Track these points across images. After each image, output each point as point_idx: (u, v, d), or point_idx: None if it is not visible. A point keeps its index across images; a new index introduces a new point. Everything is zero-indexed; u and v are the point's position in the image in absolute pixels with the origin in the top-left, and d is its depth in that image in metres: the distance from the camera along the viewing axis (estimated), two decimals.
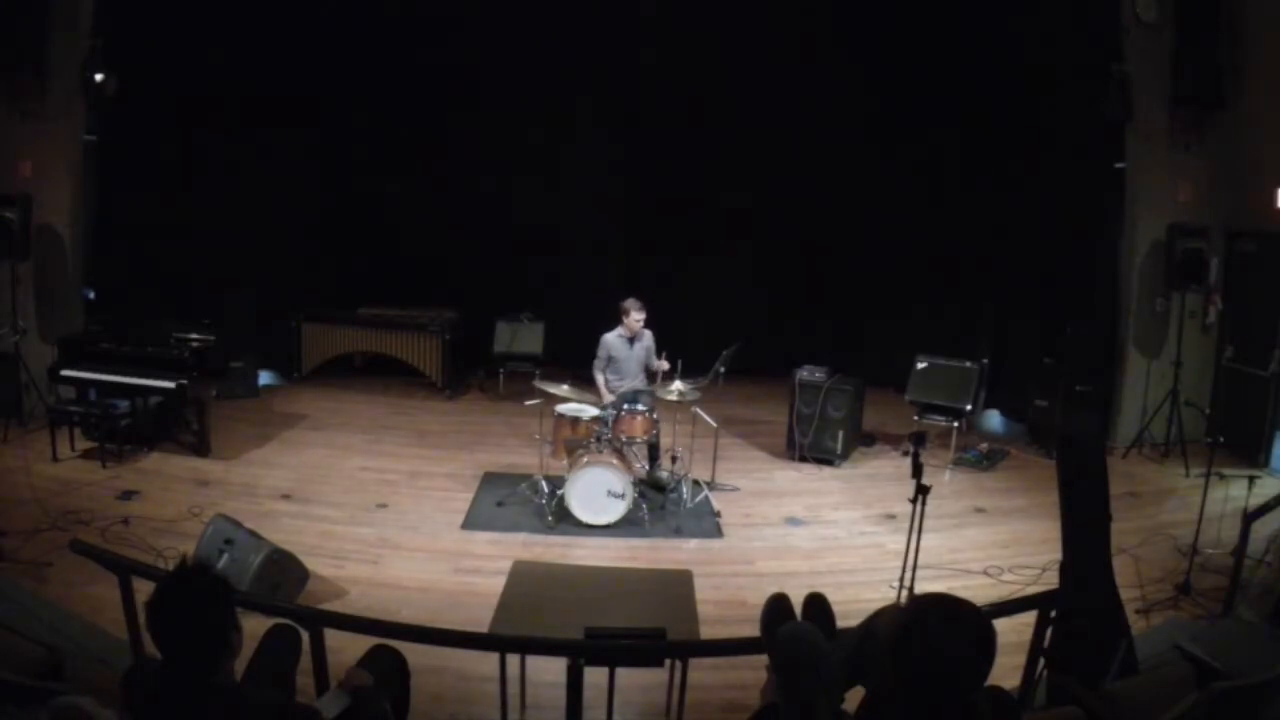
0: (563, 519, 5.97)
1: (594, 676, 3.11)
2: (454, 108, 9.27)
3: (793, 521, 6.25)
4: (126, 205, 8.30)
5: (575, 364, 6.99)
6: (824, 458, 7.36)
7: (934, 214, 8.89)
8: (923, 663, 1.85)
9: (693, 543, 5.88)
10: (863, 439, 7.85)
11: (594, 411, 6.35)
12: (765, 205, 9.55)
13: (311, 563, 4.99)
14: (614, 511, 5.90)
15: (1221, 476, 5.34)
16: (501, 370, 9.29)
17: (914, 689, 1.86)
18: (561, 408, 6.38)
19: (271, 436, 7.54)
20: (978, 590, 5.02)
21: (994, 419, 8.71)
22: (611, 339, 6.87)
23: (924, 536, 4.59)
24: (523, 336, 9.32)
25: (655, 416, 6.45)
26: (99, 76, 7.30)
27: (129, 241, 8.44)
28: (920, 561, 4.69)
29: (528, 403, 6.54)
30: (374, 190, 9.43)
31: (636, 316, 6.75)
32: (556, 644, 3.24)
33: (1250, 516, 4.65)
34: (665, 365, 6.64)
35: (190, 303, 7.90)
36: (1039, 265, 8.25)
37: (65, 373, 6.85)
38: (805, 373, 7.46)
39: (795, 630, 2.62)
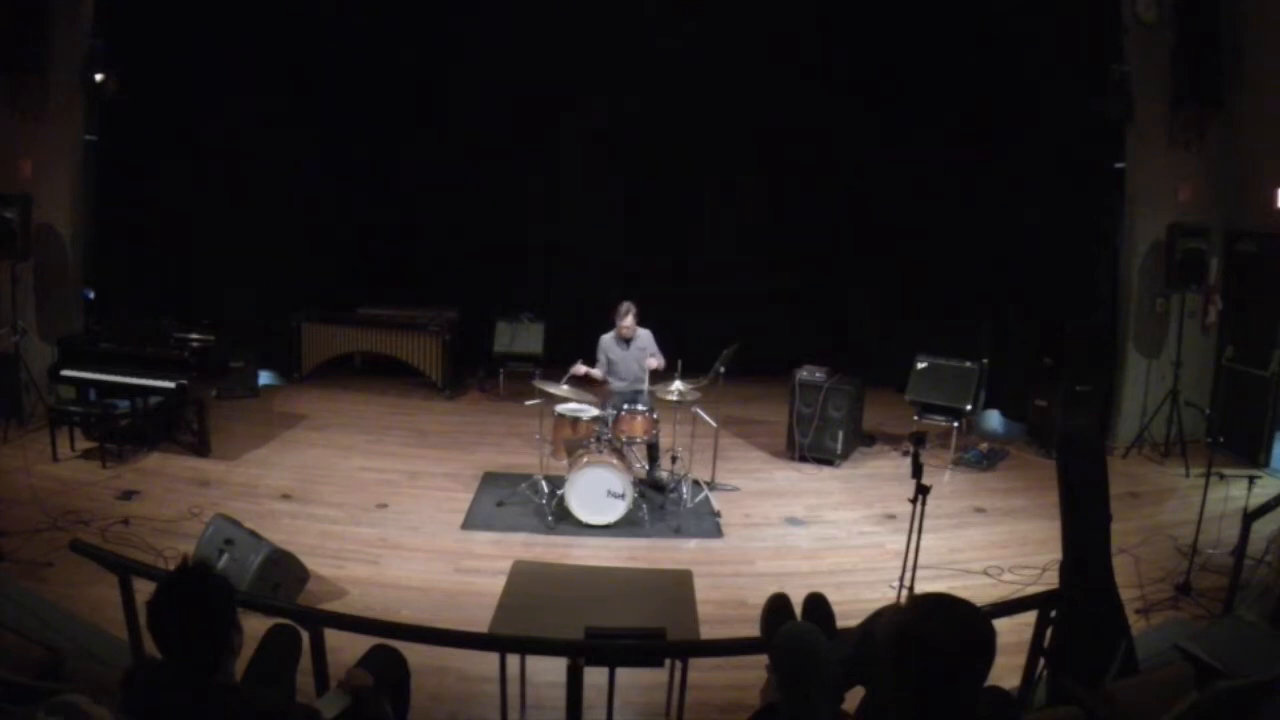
0: (563, 519, 5.97)
1: (594, 676, 3.11)
2: (453, 107, 9.27)
3: (793, 521, 6.25)
4: (126, 205, 8.30)
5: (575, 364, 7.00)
6: (824, 458, 7.36)
7: (934, 214, 8.89)
8: (922, 663, 1.84)
9: (693, 543, 5.88)
10: (863, 439, 7.85)
11: (594, 411, 6.35)
12: (765, 205, 9.55)
13: (311, 563, 4.99)
14: (614, 511, 5.90)
15: (1221, 476, 5.34)
16: (501, 370, 9.29)
17: (913, 689, 1.86)
18: (561, 408, 6.38)
19: (271, 436, 7.54)
20: (978, 590, 5.02)
21: (994, 419, 8.71)
22: (607, 341, 6.88)
23: (924, 536, 4.59)
24: (523, 336, 9.32)
25: (655, 416, 6.45)
26: (99, 76, 7.31)
27: (129, 241, 8.44)
28: (920, 561, 4.69)
29: (528, 403, 6.54)
30: (374, 190, 9.43)
31: (626, 322, 6.75)
32: (556, 644, 3.23)
33: (1250, 516, 4.65)
34: (655, 364, 6.70)
35: (190, 303, 7.90)
36: (1039, 265, 8.26)
37: (65, 373, 6.86)
38: (805, 373, 7.46)
39: (795, 630, 2.62)
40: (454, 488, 6.61)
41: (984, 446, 7.67)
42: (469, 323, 9.32)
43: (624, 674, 3.35)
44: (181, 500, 5.99)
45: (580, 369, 6.69)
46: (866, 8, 8.71)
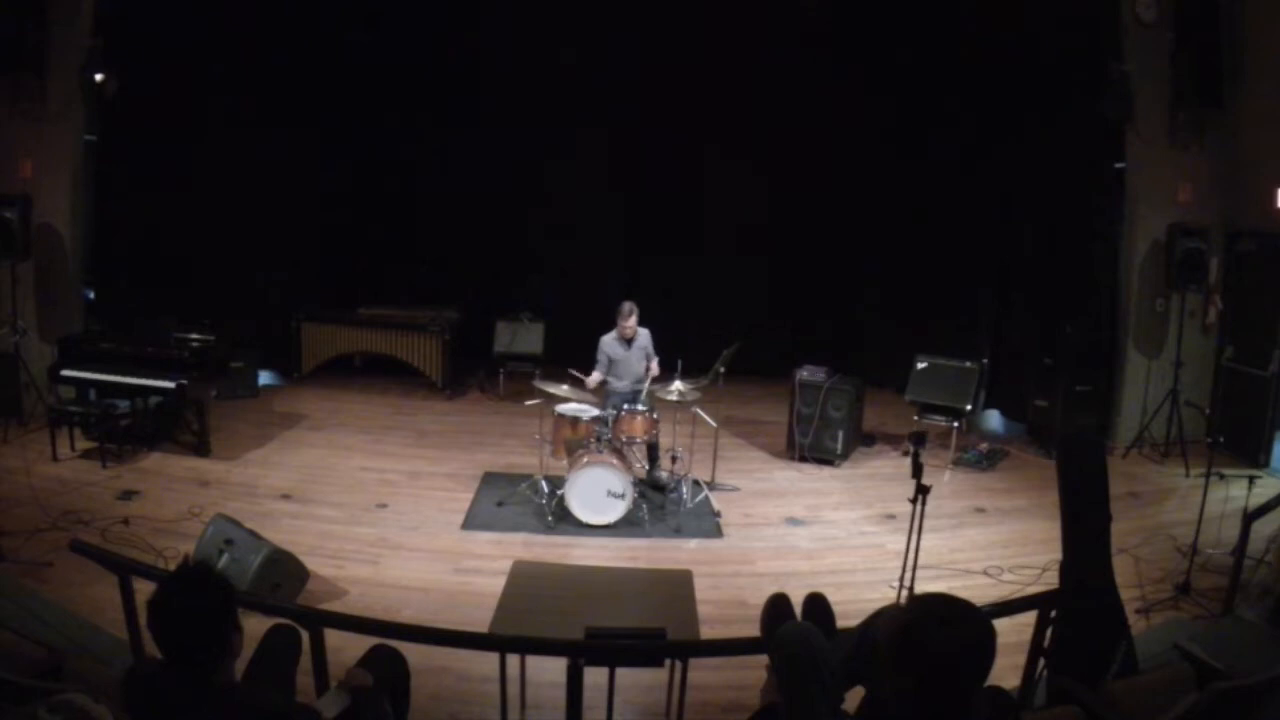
0: (563, 519, 5.97)
1: (594, 676, 3.10)
2: (454, 107, 9.27)
3: (793, 521, 6.25)
4: (126, 205, 8.30)
5: (575, 364, 7.02)
6: (824, 458, 7.36)
7: (934, 213, 8.88)
8: (922, 663, 1.84)
9: (693, 543, 5.88)
10: (863, 439, 7.85)
11: (594, 411, 6.35)
12: (765, 205, 9.55)
13: (311, 563, 5.00)
14: (614, 511, 5.91)
15: (1221, 476, 5.34)
16: (501, 370, 9.29)
17: (913, 689, 1.86)
18: (561, 408, 6.38)
19: (271, 436, 7.54)
20: (978, 590, 5.03)
21: (994, 419, 8.71)
22: (608, 341, 6.87)
23: (924, 536, 4.59)
24: (523, 336, 9.32)
25: (655, 416, 6.45)
26: (99, 76, 7.30)
27: (129, 241, 8.43)
28: (920, 561, 4.69)
29: (528, 403, 6.55)
30: (374, 190, 9.43)
31: (629, 323, 6.74)
32: (556, 644, 3.23)
33: (1250, 516, 4.66)
34: (654, 371, 6.74)
35: (190, 303, 7.89)
36: (1039, 265, 8.26)
37: (65, 373, 6.85)
38: (805, 373, 7.46)
39: (795, 630, 2.62)
40: (454, 488, 6.61)
41: (984, 446, 7.67)
42: (469, 323, 9.32)
43: (624, 674, 3.35)
44: (181, 500, 5.99)
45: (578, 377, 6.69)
46: (867, 8, 8.70)
